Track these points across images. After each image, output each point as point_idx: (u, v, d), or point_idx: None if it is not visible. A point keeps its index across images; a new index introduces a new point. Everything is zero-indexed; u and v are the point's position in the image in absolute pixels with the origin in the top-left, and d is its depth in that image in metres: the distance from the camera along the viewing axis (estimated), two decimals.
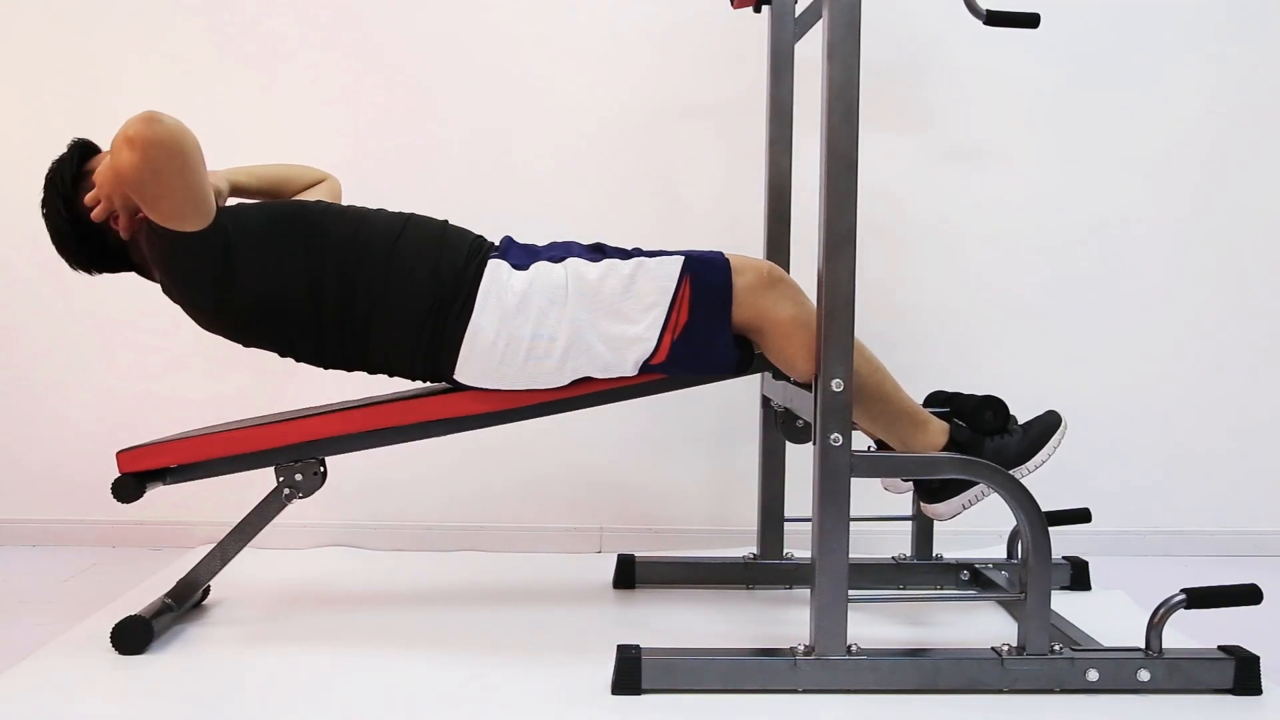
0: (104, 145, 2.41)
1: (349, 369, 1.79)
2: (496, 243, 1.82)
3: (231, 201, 1.88)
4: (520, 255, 1.76)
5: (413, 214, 1.80)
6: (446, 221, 1.82)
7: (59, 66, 2.42)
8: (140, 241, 1.73)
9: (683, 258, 1.72)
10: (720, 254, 1.73)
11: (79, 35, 2.41)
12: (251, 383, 2.44)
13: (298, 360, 1.79)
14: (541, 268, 1.72)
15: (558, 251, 1.78)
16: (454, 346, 1.70)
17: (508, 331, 1.68)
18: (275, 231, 1.71)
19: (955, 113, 2.44)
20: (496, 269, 1.72)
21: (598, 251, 1.78)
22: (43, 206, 1.76)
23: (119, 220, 1.71)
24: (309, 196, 1.99)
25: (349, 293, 1.70)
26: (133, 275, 2.44)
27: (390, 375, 1.80)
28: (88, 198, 1.70)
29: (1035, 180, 2.46)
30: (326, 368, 1.79)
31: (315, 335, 1.73)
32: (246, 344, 1.78)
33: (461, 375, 1.73)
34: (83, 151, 1.78)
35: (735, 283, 1.70)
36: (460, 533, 2.45)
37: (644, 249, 1.79)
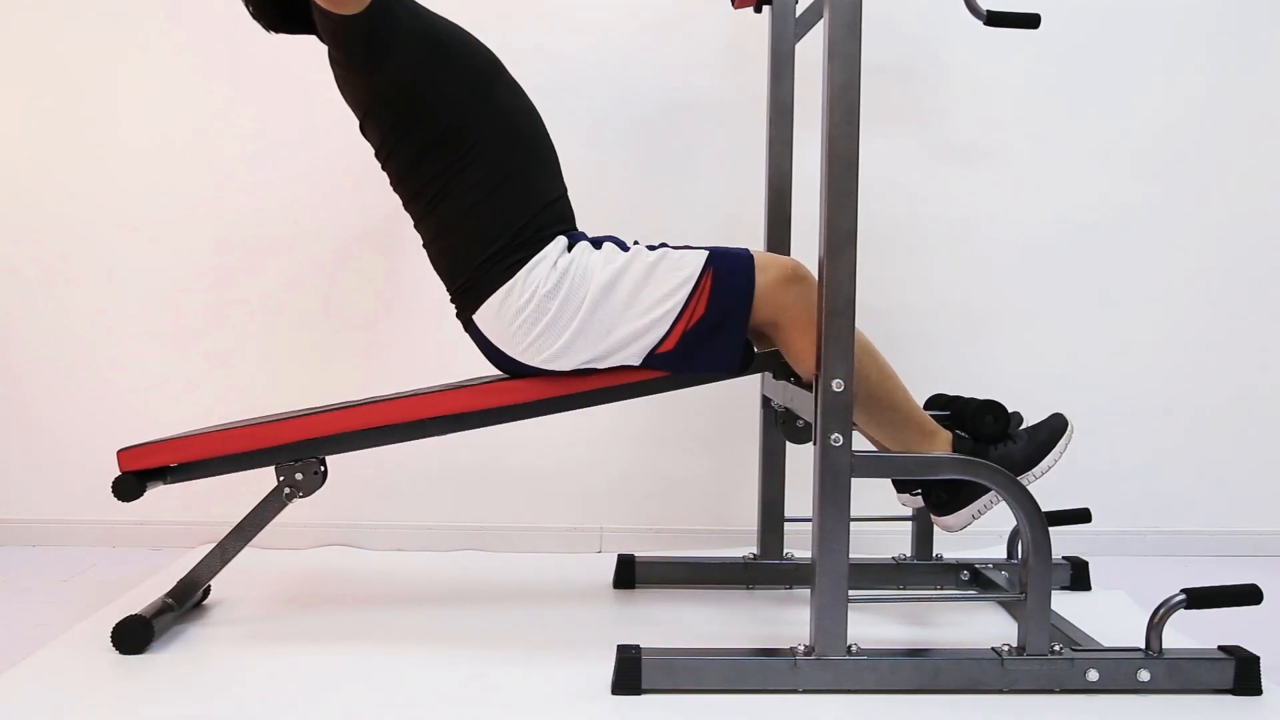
0: (104, 136, 2.42)
1: (414, 217, 1.79)
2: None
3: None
4: (576, 237, 1.78)
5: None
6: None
7: (58, 65, 2.42)
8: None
9: (708, 252, 1.73)
10: (746, 250, 1.74)
11: (78, 33, 2.41)
12: (252, 382, 2.44)
13: (385, 169, 1.79)
14: (582, 249, 1.75)
15: (598, 240, 1.80)
16: (491, 288, 1.71)
17: (537, 303, 1.70)
18: (454, 66, 1.72)
19: (955, 113, 2.44)
20: (559, 243, 1.74)
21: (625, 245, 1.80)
22: None
23: None
24: None
25: (472, 159, 1.71)
26: (132, 275, 2.45)
27: (431, 264, 1.80)
28: None
29: (1034, 179, 2.46)
30: (400, 195, 1.79)
31: (417, 159, 1.73)
32: (364, 124, 1.77)
33: (480, 319, 1.74)
34: None
35: (757, 280, 1.70)
36: (460, 533, 2.45)
37: (670, 244, 1.79)
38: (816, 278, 1.74)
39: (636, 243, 1.79)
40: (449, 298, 1.82)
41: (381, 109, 1.73)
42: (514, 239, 1.72)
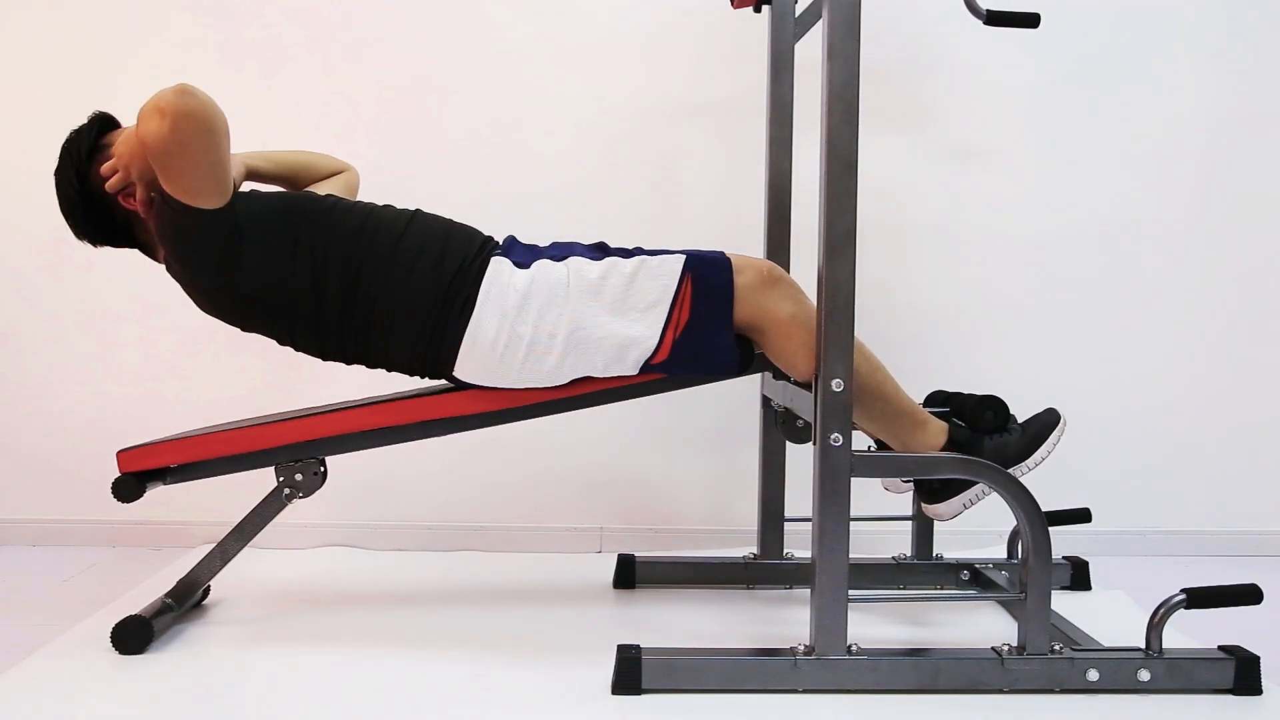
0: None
1: (348, 362, 1.79)
2: (499, 241, 1.82)
3: (246, 186, 1.88)
4: (523, 254, 1.76)
5: (419, 210, 1.81)
6: (451, 219, 1.82)
7: (58, 65, 2.42)
8: (149, 216, 1.73)
9: (684, 256, 1.72)
10: (721, 253, 1.74)
11: (78, 32, 2.41)
12: (252, 383, 2.44)
13: (296, 349, 1.79)
14: (543, 265, 1.73)
15: (559, 251, 1.78)
16: (455, 343, 1.70)
17: (508, 329, 1.68)
18: (283, 220, 1.71)
19: (955, 113, 2.44)
20: (499, 266, 1.72)
21: (600, 251, 1.79)
22: (55, 174, 1.76)
23: (134, 193, 1.72)
24: (326, 187, 2.00)
25: (352, 285, 1.71)
26: (132, 275, 2.44)
27: (389, 370, 1.80)
28: (105, 167, 1.72)
29: (1035, 179, 2.46)
30: (326, 359, 1.79)
31: (316, 326, 1.73)
32: (246, 328, 1.78)
33: (461, 372, 1.73)
34: (102, 124, 1.78)
35: (736, 281, 1.70)
36: (460, 533, 2.45)
37: (645, 249, 1.79)
38: (794, 279, 1.75)
39: (603, 245, 1.78)
40: (425, 379, 1.80)
41: (260, 311, 1.72)
42: (446, 301, 1.70)
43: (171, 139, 1.57)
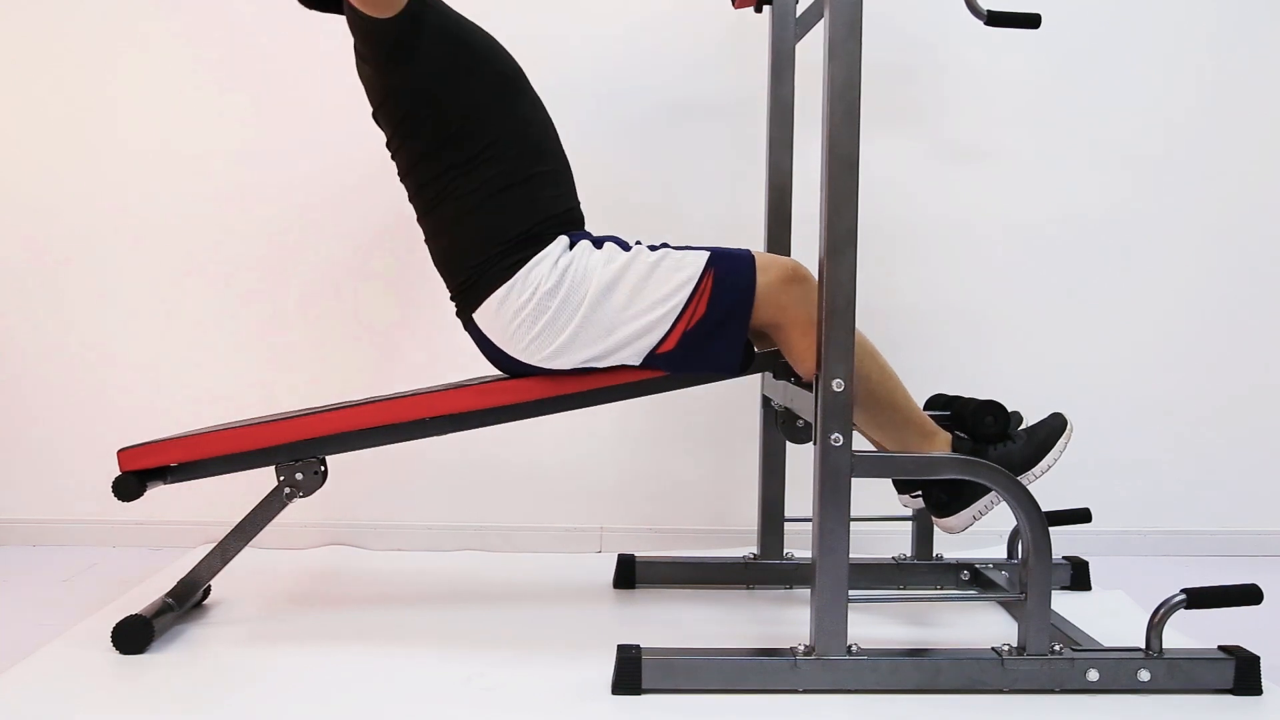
0: (103, 137, 2.42)
1: (418, 210, 1.80)
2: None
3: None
4: (577, 237, 1.79)
5: (562, 154, 1.85)
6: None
7: (58, 65, 2.42)
8: None
9: (709, 253, 1.73)
10: (748, 251, 1.74)
11: (78, 33, 2.41)
12: (253, 382, 2.44)
13: (394, 159, 1.80)
14: (584, 247, 1.75)
15: (600, 240, 1.80)
16: (491, 286, 1.72)
17: (537, 300, 1.70)
18: (477, 71, 1.74)
19: (956, 112, 2.44)
20: (560, 243, 1.74)
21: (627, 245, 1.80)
22: None
23: None
24: None
25: (476, 159, 1.72)
26: (132, 276, 2.44)
27: (435, 261, 1.81)
28: None
29: (1035, 179, 2.46)
30: (405, 183, 1.80)
31: (426, 153, 1.74)
32: (379, 101, 1.77)
33: (480, 317, 1.75)
34: None
35: (759, 280, 1.70)
36: (460, 533, 2.45)
37: (671, 244, 1.79)
38: (817, 278, 1.75)
39: (639, 242, 1.79)
40: (449, 295, 1.82)
41: (397, 103, 1.74)
42: (514, 243, 1.73)
43: None
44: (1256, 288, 2.49)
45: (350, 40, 2.37)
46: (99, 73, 2.41)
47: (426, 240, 1.82)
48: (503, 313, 1.72)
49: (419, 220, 1.82)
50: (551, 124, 1.85)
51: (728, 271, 1.70)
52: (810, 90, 2.29)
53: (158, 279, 2.44)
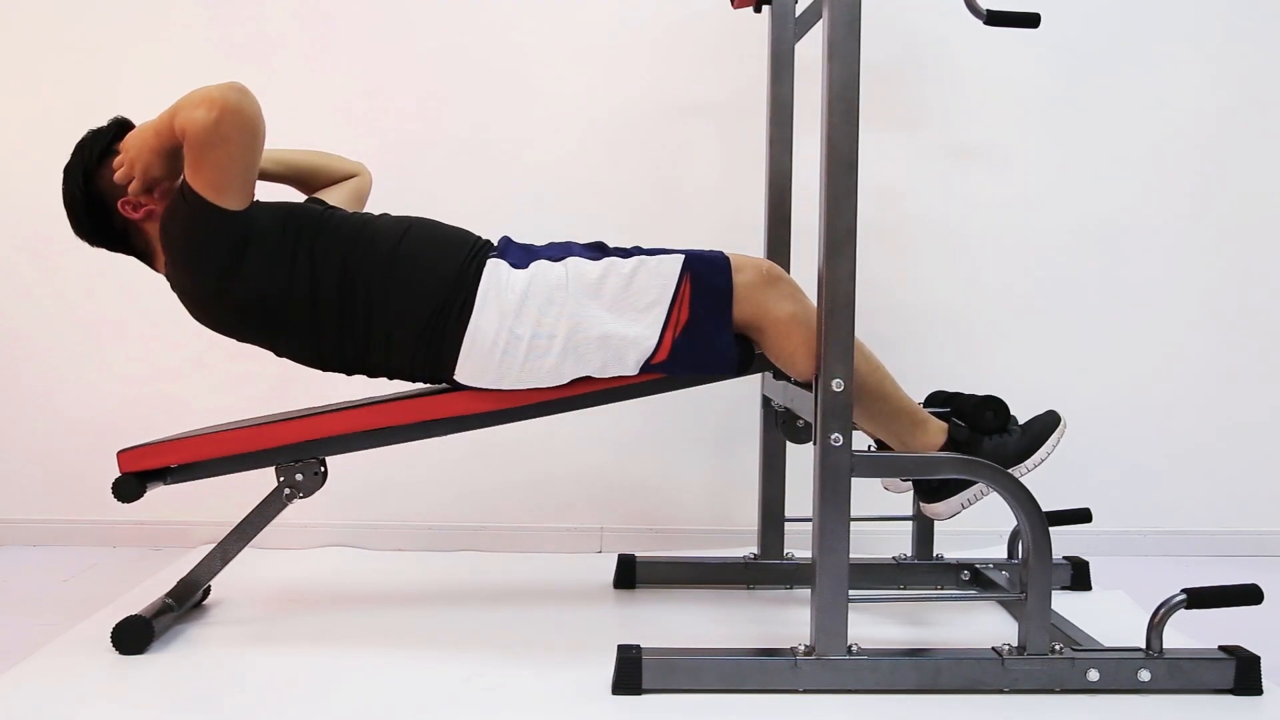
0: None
1: (349, 373, 1.79)
2: (494, 243, 1.82)
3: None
4: (519, 254, 1.76)
5: (417, 218, 1.81)
6: (447, 224, 1.82)
7: (59, 67, 2.42)
8: (154, 218, 1.74)
9: (683, 256, 1.72)
10: (720, 253, 1.74)
11: (79, 33, 2.41)
12: (253, 383, 2.43)
13: (295, 360, 1.79)
14: (541, 266, 1.73)
15: (557, 251, 1.78)
16: (454, 347, 1.70)
17: (507, 331, 1.68)
18: (283, 229, 1.71)
19: (955, 112, 2.44)
20: (495, 268, 1.72)
21: (598, 250, 1.79)
22: (64, 170, 1.76)
23: (137, 202, 1.73)
24: (336, 193, 1.99)
25: (349, 296, 1.71)
26: (133, 277, 2.44)
27: (390, 378, 1.80)
28: (115, 164, 1.72)
29: (1035, 179, 2.46)
30: (326, 370, 1.80)
31: (314, 337, 1.74)
32: (242, 339, 1.78)
33: (462, 375, 1.73)
34: (119, 129, 1.78)
35: (735, 280, 1.70)
36: (460, 533, 2.45)
37: (644, 248, 1.79)
38: (793, 278, 1.75)
39: (601, 244, 1.78)
40: (425, 384, 1.81)
41: (257, 321, 1.72)
42: (445, 306, 1.70)
43: (215, 131, 1.57)
44: (1257, 287, 2.49)
45: (361, 31, 2.38)
46: (101, 69, 2.41)
47: (375, 376, 1.80)
48: (477, 357, 1.70)
49: (356, 374, 1.80)
50: (369, 215, 1.80)
51: (704, 273, 1.70)
52: (810, 90, 2.29)
53: (158, 278, 2.43)
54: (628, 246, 1.79)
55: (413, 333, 1.71)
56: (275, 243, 1.70)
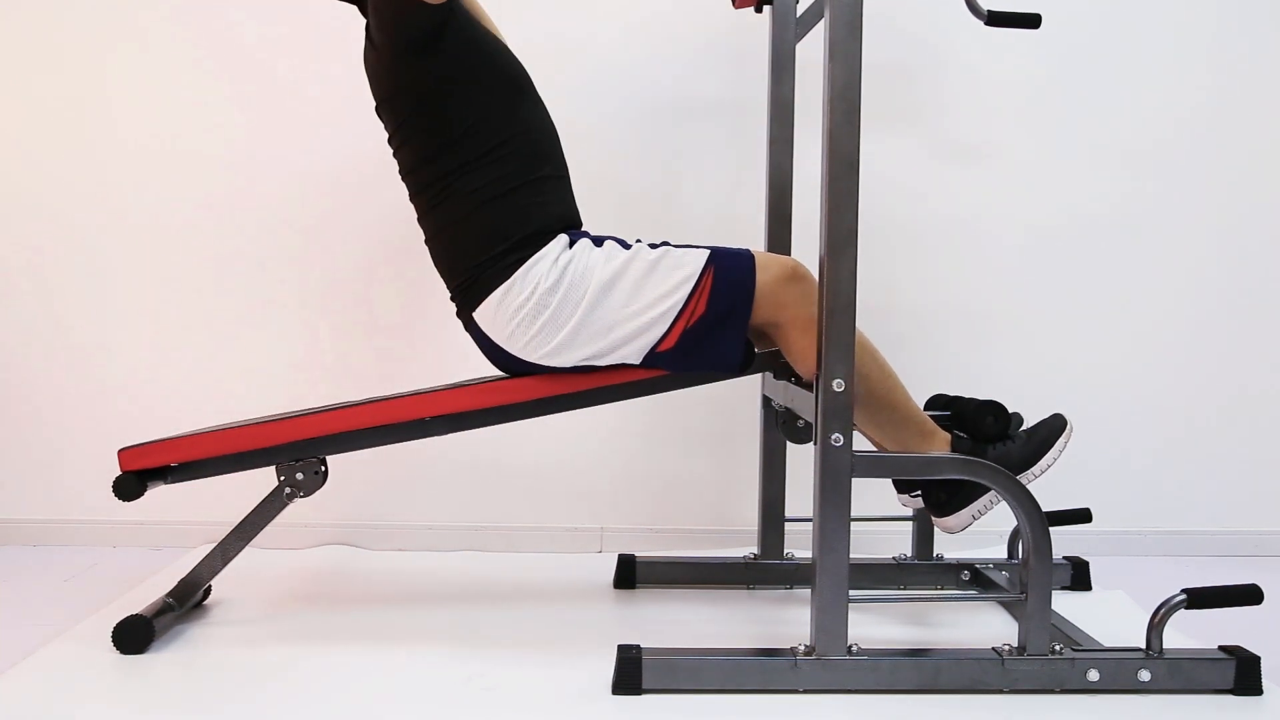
0: (102, 135, 2.42)
1: (419, 210, 1.80)
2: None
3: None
4: (579, 235, 1.79)
5: (563, 161, 1.86)
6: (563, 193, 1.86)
7: (55, 63, 2.42)
8: None
9: (709, 251, 1.73)
10: (747, 250, 1.74)
11: (76, 30, 2.41)
12: (253, 382, 2.43)
13: (396, 156, 1.80)
14: (584, 245, 1.75)
15: (603, 237, 1.81)
16: (490, 285, 1.72)
17: (538, 298, 1.70)
18: (489, 73, 1.74)
19: (956, 112, 2.44)
20: (560, 241, 1.75)
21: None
22: None
23: None
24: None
25: (481, 160, 1.73)
26: (132, 274, 2.44)
27: (432, 260, 1.81)
28: None
29: (1035, 179, 2.46)
30: (406, 182, 1.81)
31: (430, 152, 1.74)
32: (386, 95, 1.77)
33: (480, 316, 1.75)
34: None
35: (759, 278, 1.71)
36: (460, 533, 2.45)
37: (672, 243, 1.79)
38: (817, 277, 1.75)
39: (639, 241, 1.79)
40: (449, 295, 1.82)
41: (405, 100, 1.74)
42: (514, 243, 1.73)
43: None
44: (1257, 287, 2.49)
45: (355, 34, 2.38)
46: (97, 69, 2.41)
47: (427, 240, 1.82)
48: (502, 311, 1.72)
49: (419, 220, 1.82)
50: (553, 128, 1.85)
51: (728, 269, 1.70)
52: (810, 90, 2.29)
53: (158, 278, 2.43)
54: (657, 242, 1.79)
55: (483, 238, 1.73)
56: (477, 76, 1.73)
